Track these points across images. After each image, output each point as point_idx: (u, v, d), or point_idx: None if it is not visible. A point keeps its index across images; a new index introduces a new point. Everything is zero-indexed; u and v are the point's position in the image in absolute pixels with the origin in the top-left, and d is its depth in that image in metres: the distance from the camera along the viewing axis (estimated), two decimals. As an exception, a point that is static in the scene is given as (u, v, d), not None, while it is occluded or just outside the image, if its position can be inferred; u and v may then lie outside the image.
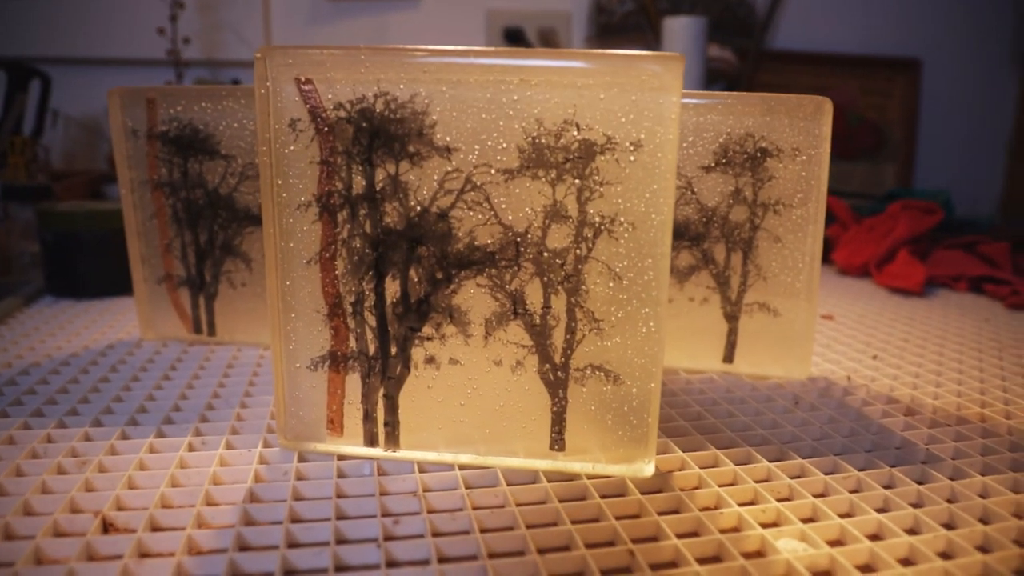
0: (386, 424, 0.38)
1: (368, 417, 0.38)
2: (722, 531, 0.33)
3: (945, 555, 0.32)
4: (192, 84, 0.93)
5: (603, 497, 0.35)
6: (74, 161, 0.99)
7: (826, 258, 0.90)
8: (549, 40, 1.08)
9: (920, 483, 0.37)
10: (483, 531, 0.32)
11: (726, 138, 0.49)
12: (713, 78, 1.06)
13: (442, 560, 0.30)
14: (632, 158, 0.34)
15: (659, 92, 0.33)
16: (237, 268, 0.54)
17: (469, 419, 0.37)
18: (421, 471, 0.37)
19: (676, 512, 0.34)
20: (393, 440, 0.38)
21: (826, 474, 0.38)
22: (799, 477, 0.38)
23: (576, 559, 0.30)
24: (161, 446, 0.39)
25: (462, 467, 0.38)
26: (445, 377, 0.37)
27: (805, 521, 0.34)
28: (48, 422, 0.42)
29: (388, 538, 0.32)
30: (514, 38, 1.07)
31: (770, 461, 0.39)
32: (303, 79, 0.35)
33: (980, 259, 0.79)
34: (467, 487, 0.36)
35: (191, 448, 0.39)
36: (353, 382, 0.38)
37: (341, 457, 0.38)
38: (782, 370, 0.52)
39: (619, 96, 0.33)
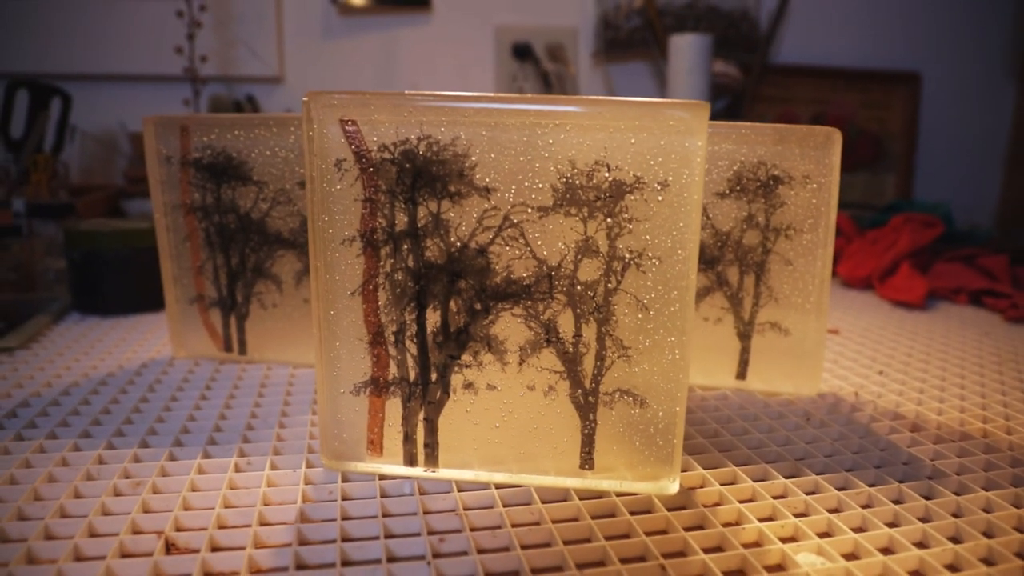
0: (426, 445, 0.40)
1: (408, 439, 0.40)
2: (745, 546, 0.35)
3: (952, 568, 0.34)
4: (208, 100, 0.95)
5: (632, 514, 0.37)
6: (91, 176, 1.01)
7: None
8: (557, 55, 1.10)
9: (927, 498, 0.40)
10: (523, 547, 0.34)
11: (740, 166, 0.51)
12: (718, 93, 1.09)
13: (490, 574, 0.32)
14: (660, 197, 0.36)
15: (685, 136, 0.35)
16: (268, 290, 0.56)
17: (504, 440, 0.40)
18: (459, 490, 0.39)
19: (701, 528, 0.37)
20: (433, 460, 0.40)
21: (838, 490, 0.40)
22: (813, 493, 0.40)
23: (612, 574, 0.32)
24: (209, 467, 0.41)
25: (497, 486, 0.40)
26: (482, 401, 0.39)
27: (821, 536, 0.36)
28: (97, 443, 0.44)
29: (436, 555, 0.34)
30: (522, 54, 1.09)
31: (785, 477, 0.41)
32: (348, 121, 0.37)
33: (979, 272, 0.82)
34: (504, 505, 0.38)
35: (238, 468, 0.41)
36: (393, 406, 0.40)
37: (382, 477, 0.41)
38: (793, 387, 0.54)
39: (648, 140, 0.36)
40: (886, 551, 0.35)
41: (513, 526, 0.36)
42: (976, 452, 0.45)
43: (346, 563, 0.33)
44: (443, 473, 0.40)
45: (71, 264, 0.68)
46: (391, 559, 0.34)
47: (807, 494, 0.40)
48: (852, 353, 0.65)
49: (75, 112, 0.88)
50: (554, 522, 0.37)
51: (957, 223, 1.15)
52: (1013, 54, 1.33)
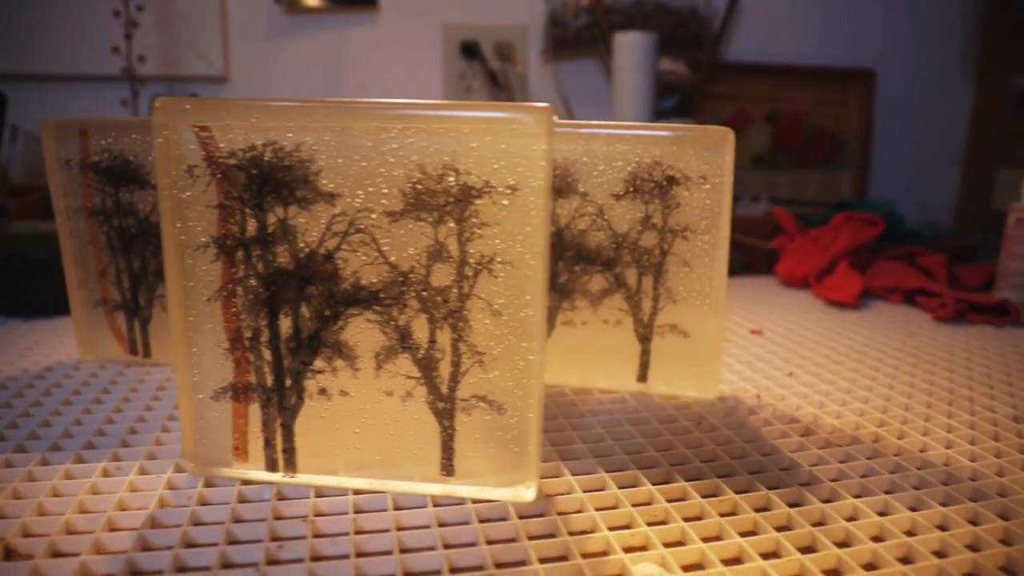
0: (284, 451, 0.40)
1: (268, 444, 0.40)
2: (587, 556, 0.35)
3: (791, 579, 0.34)
4: (150, 100, 0.95)
5: (483, 522, 0.37)
6: (35, 177, 1.01)
7: (772, 269, 0.92)
8: (505, 54, 1.09)
9: (793, 506, 0.39)
10: (359, 555, 0.34)
11: (635, 167, 0.51)
12: (666, 91, 1.08)
13: (313, 586, 0.32)
14: (506, 201, 0.36)
15: (530, 139, 0.35)
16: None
17: (365, 446, 0.39)
18: (319, 495, 0.39)
19: (552, 536, 0.36)
20: (291, 466, 0.40)
21: (704, 497, 0.40)
22: (679, 500, 0.40)
23: (439, 584, 0.32)
24: (78, 472, 0.41)
25: (357, 492, 0.40)
26: (338, 407, 0.39)
27: (672, 545, 0.36)
28: (-24, 447, 0.44)
29: (271, 562, 0.34)
30: (470, 52, 1.08)
31: (654, 484, 0.41)
32: (200, 126, 0.37)
33: (918, 270, 0.81)
34: (357, 511, 0.38)
35: (106, 473, 0.41)
36: (256, 411, 0.40)
37: (245, 482, 0.40)
38: (694, 389, 0.54)
39: (492, 144, 0.35)
40: (734, 561, 0.35)
41: (358, 533, 0.36)
42: (859, 457, 0.45)
43: (181, 569, 0.33)
44: (301, 478, 0.40)
45: (-7, 266, 0.68)
46: (226, 565, 0.33)
47: (671, 502, 0.39)
48: (768, 355, 0.65)
49: (16, 113, 0.88)
50: (401, 529, 0.36)
51: (913, 221, 1.14)
52: (969, 51, 1.32)
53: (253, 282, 0.38)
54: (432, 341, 0.38)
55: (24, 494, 0.39)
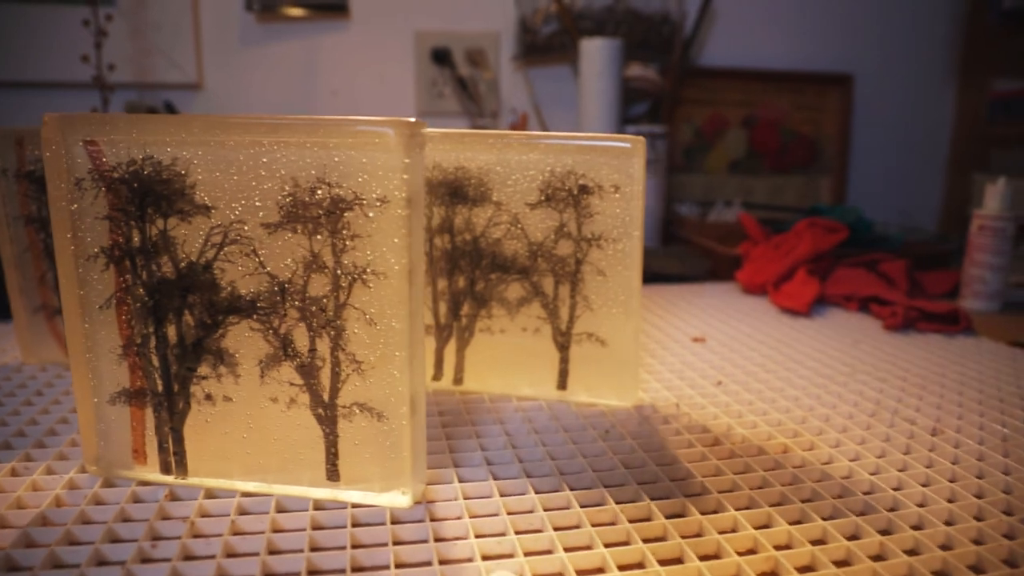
0: (175, 454, 0.41)
1: (162, 447, 0.41)
2: (446, 563, 0.35)
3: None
4: (124, 106, 0.97)
5: (356, 526, 0.38)
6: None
7: (733, 276, 0.91)
8: (477, 60, 1.10)
9: (673, 517, 0.39)
10: (229, 556, 0.35)
11: (549, 175, 0.51)
12: (635, 97, 1.08)
13: (168, 586, 0.33)
14: (371, 214, 0.37)
15: (392, 153, 0.36)
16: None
17: (254, 451, 0.40)
18: (209, 497, 0.40)
19: (423, 542, 0.37)
20: (182, 468, 0.41)
21: (584, 507, 0.40)
22: (560, 509, 0.40)
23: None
24: (-16, 470, 0.43)
25: (246, 495, 0.41)
26: (224, 413, 0.40)
27: (536, 554, 0.36)
28: None
29: (144, 560, 0.35)
30: (442, 59, 1.09)
31: (539, 493, 0.41)
32: (89, 141, 0.38)
33: (880, 277, 0.80)
34: (240, 513, 0.39)
35: (14, 472, 0.43)
36: (151, 415, 0.41)
37: (142, 483, 0.42)
38: (613, 397, 0.54)
39: (357, 157, 0.36)
40: (596, 571, 0.35)
41: (234, 535, 0.37)
42: (757, 469, 0.45)
43: (56, 566, 0.35)
44: (193, 481, 0.41)
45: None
46: (99, 563, 0.35)
47: (549, 511, 0.40)
48: (702, 363, 0.64)
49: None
50: (277, 531, 0.37)
51: (895, 227, 1.13)
52: (950, 56, 1.30)
53: (141, 291, 0.39)
54: (312, 349, 0.39)
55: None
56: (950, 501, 0.42)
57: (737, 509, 0.40)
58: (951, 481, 0.44)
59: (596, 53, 0.95)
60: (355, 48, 1.12)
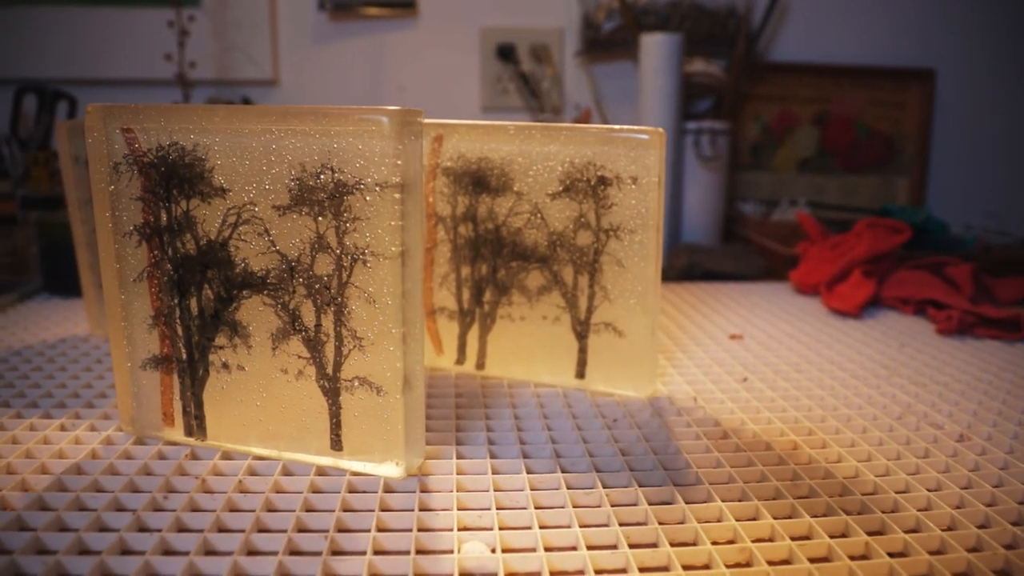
0: (195, 417, 0.44)
1: (185, 411, 0.45)
2: (425, 530, 0.37)
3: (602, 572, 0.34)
4: (205, 101, 1.04)
5: (350, 492, 0.40)
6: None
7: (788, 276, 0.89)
8: (541, 56, 1.11)
9: (657, 504, 0.40)
10: (230, 510, 0.38)
11: (569, 166, 0.52)
12: (698, 93, 1.06)
13: (178, 529, 0.36)
14: (368, 197, 0.39)
15: (387, 140, 0.38)
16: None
17: (267, 418, 0.43)
18: (224, 459, 0.43)
19: (408, 511, 0.39)
20: (201, 431, 0.44)
21: (571, 488, 0.41)
22: (548, 490, 0.41)
23: (281, 540, 0.35)
24: (40, 425, 0.48)
25: (257, 458, 0.44)
26: (238, 381, 0.43)
27: (507, 529, 0.37)
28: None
29: (155, 509, 0.38)
30: (506, 55, 1.11)
31: (531, 474, 0.42)
32: (126, 128, 0.42)
33: (943, 281, 0.76)
34: (248, 474, 0.42)
35: (62, 428, 0.47)
36: (177, 381, 0.45)
37: (169, 443, 0.45)
38: (630, 388, 0.55)
39: (354, 144, 0.38)
40: (568, 549, 0.36)
41: (239, 492, 0.40)
42: (758, 464, 0.44)
43: (80, 508, 0.38)
44: (212, 443, 0.45)
45: (41, 250, 0.77)
46: (117, 508, 0.38)
47: (536, 490, 0.41)
48: (733, 359, 0.63)
49: (81, 114, 0.99)
50: (277, 492, 0.40)
51: (981, 229, 1.06)
52: None
53: (168, 265, 0.43)
54: (318, 324, 0.41)
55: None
56: (957, 508, 0.40)
57: (725, 501, 0.40)
58: (964, 488, 0.42)
59: (656, 48, 0.94)
60: (422, 44, 1.16)
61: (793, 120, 1.19)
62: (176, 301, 0.43)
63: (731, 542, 0.37)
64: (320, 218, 0.40)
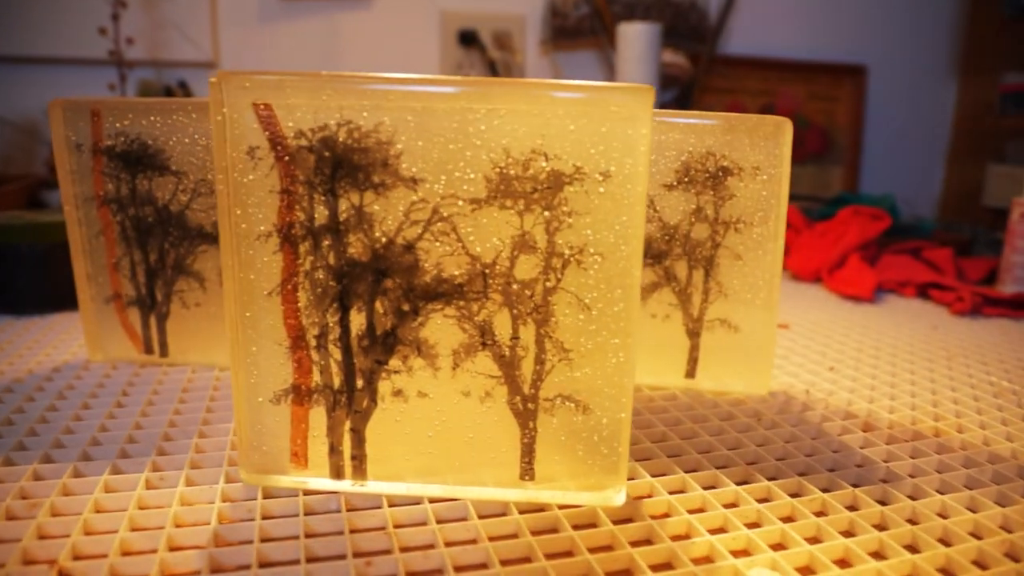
0: (353, 457, 0.37)
1: (334, 451, 0.37)
2: (695, 561, 0.33)
3: (909, 581, 0.32)
4: (136, 85, 0.89)
5: (575, 528, 0.35)
6: (11, 165, 0.94)
7: (780, 263, 0.92)
8: (503, 43, 1.07)
9: (882, 503, 0.38)
10: (458, 569, 0.32)
11: (688, 156, 0.49)
12: (666, 84, 1.07)
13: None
14: (601, 189, 0.34)
15: (628, 123, 0.33)
16: (190, 287, 0.52)
17: (437, 450, 0.37)
18: (390, 505, 0.36)
19: (649, 543, 0.34)
20: (360, 473, 0.37)
21: (791, 496, 0.38)
22: (766, 500, 0.38)
23: (551, 599, 0.30)
24: (117, 484, 0.38)
25: (431, 500, 0.37)
26: (413, 410, 0.36)
27: (775, 548, 0.34)
28: (-8, 459, 0.40)
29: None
30: (468, 40, 1.05)
31: (736, 484, 0.39)
32: (261, 104, 0.34)
33: (925, 264, 0.82)
34: (438, 521, 0.35)
35: (149, 485, 0.38)
36: (317, 415, 0.37)
37: (307, 492, 0.37)
38: (743, 385, 0.53)
39: (588, 126, 0.33)
40: (842, 563, 0.33)
41: (447, 545, 0.33)
42: (929, 452, 0.44)
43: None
44: (372, 487, 0.37)
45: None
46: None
47: (759, 502, 0.38)
48: (801, 348, 0.64)
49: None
50: (491, 539, 0.34)
51: (901, 215, 1.16)
52: (954, 49, 1.35)
53: (321, 275, 0.35)
54: (515, 338, 0.36)
55: (64, 510, 0.35)
56: None
57: (943, 494, 0.39)
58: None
59: (636, 38, 0.93)
60: (378, 28, 1.07)
61: (741, 111, 1.23)
62: (336, 318, 0.35)
63: (974, 535, 0.36)
64: (526, 213, 0.34)
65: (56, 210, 0.77)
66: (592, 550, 0.33)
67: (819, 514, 0.37)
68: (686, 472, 0.40)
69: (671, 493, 0.38)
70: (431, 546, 0.33)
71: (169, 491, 0.37)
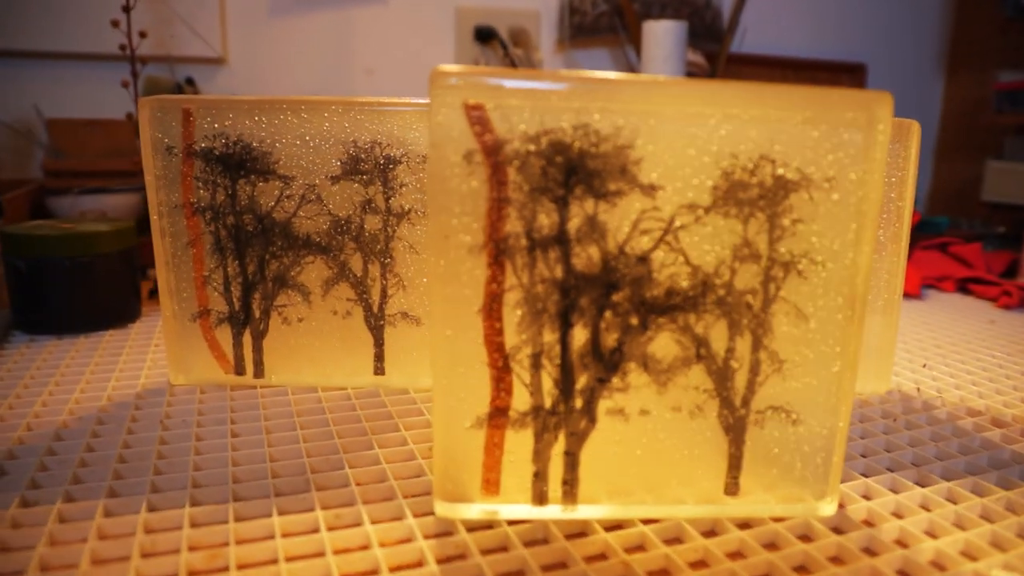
0: (564, 482, 0.34)
1: (540, 476, 0.34)
2: (933, 565, 0.32)
3: None
4: (142, 82, 0.82)
5: (803, 540, 0.34)
6: (2, 170, 0.85)
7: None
8: (519, 40, 1.05)
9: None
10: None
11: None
12: (687, 82, 1.07)
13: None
14: (836, 196, 0.32)
15: (863, 130, 0.32)
16: (292, 301, 0.48)
17: (641, 469, 0.35)
18: (605, 530, 0.34)
19: (870, 552, 0.34)
20: (571, 498, 0.35)
21: (981, 496, 0.38)
22: (952, 502, 0.38)
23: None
24: (294, 526, 0.34)
25: (643, 521, 0.35)
26: (629, 428, 0.34)
27: (994, 548, 0.34)
28: (134, 503, 0.35)
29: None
30: (485, 37, 1.03)
31: (918, 485, 0.39)
32: (474, 105, 0.31)
33: (955, 260, 0.85)
34: (665, 542, 0.33)
35: (331, 527, 0.34)
36: (516, 438, 0.34)
37: (510, 523, 0.35)
38: (867, 384, 0.53)
39: (821, 133, 0.32)
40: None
41: (692, 567, 0.32)
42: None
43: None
44: (581, 512, 0.35)
45: (14, 274, 0.56)
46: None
47: (949, 502, 0.38)
48: (884, 346, 0.65)
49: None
50: (733, 557, 0.32)
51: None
52: (941, 47, 1.41)
53: (542, 289, 0.32)
54: (730, 349, 0.34)
55: (247, 560, 0.32)
56: None
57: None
58: None
59: (662, 35, 0.93)
60: (392, 23, 1.02)
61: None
62: (557, 335, 0.33)
63: None
64: (749, 221, 0.33)
65: (71, 219, 0.70)
66: (832, 560, 0.32)
67: (1010, 510, 0.37)
68: (865, 477, 0.40)
69: (864, 499, 0.38)
70: (663, 571, 0.31)
71: (356, 531, 0.34)
